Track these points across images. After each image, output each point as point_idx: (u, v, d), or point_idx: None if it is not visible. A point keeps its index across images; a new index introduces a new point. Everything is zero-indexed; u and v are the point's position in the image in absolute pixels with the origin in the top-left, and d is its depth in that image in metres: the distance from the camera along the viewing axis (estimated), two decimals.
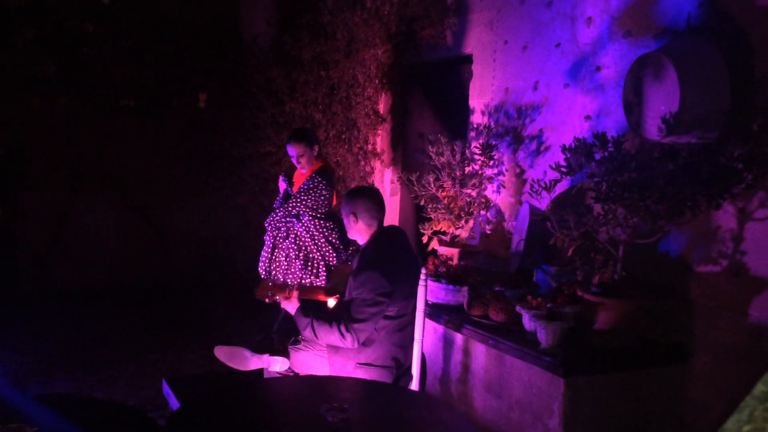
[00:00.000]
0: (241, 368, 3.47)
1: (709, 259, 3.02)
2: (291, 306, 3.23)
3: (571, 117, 3.89)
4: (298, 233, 4.23)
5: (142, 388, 4.52)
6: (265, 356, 3.43)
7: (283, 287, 3.35)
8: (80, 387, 4.51)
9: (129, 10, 6.84)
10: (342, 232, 4.30)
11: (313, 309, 3.17)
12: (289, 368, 3.43)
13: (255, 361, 3.44)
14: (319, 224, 4.23)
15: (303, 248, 4.24)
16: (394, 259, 3.11)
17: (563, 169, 3.05)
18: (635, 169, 2.83)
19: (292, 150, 4.21)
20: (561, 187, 3.50)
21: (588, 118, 3.75)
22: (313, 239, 4.22)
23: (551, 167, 3.12)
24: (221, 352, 3.47)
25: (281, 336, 3.59)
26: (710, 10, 3.02)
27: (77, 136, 6.88)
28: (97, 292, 6.93)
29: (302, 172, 4.31)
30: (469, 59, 4.85)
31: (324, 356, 3.28)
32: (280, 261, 4.29)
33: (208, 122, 7.08)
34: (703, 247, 3.04)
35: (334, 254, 4.25)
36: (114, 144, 7.05)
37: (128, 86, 6.90)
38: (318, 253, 4.23)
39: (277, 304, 3.49)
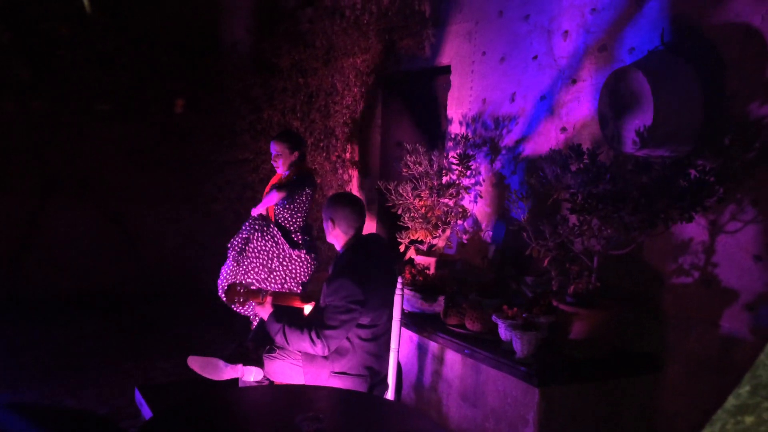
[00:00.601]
0: (215, 378, 3.43)
1: (681, 270, 3.07)
2: (264, 311, 3.20)
3: (547, 128, 3.94)
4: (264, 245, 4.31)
5: (114, 397, 4.44)
6: (239, 366, 3.40)
7: (255, 293, 3.33)
8: (50, 395, 4.42)
9: (105, 14, 6.77)
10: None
11: (287, 315, 3.15)
12: (264, 377, 3.40)
13: (229, 371, 3.41)
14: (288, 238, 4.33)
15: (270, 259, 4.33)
16: (370, 267, 3.11)
17: (540, 180, 3.08)
18: (610, 181, 2.87)
19: (272, 147, 4.44)
20: (537, 198, 3.54)
21: (564, 130, 3.80)
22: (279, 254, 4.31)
23: (527, 178, 3.15)
24: (195, 363, 3.43)
25: (255, 345, 3.56)
26: (683, 27, 3.08)
27: (51, 140, 6.78)
28: (69, 298, 6.81)
29: (278, 172, 4.50)
30: (447, 70, 4.89)
31: (299, 365, 3.26)
32: (255, 270, 4.33)
33: (185, 128, 7.02)
34: (676, 258, 3.09)
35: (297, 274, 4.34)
36: (88, 149, 6.95)
37: (104, 91, 6.82)
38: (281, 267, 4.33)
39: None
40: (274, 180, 4.58)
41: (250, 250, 4.34)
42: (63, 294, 6.86)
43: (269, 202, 4.37)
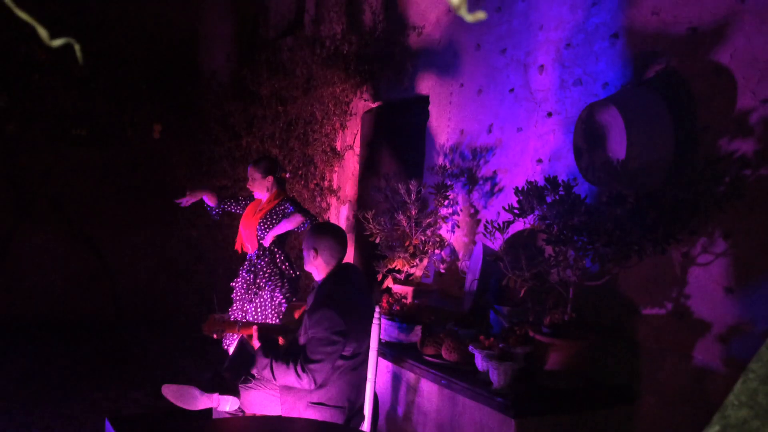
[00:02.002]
0: (190, 408, 3.37)
1: (655, 301, 3.11)
2: (253, 344, 3.20)
3: (523, 160, 3.99)
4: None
5: (83, 428, 4.33)
6: (215, 395, 3.34)
7: (232, 324, 3.30)
8: (17, 425, 4.30)
9: (83, 38, 6.76)
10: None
11: (274, 349, 3.13)
12: (239, 408, 3.35)
13: (204, 401, 3.35)
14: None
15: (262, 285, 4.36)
16: (350, 297, 3.11)
17: (516, 211, 3.12)
18: (585, 213, 2.91)
19: (248, 172, 4.60)
20: (514, 228, 3.57)
21: (540, 161, 3.86)
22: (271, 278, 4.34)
23: (504, 209, 3.19)
24: (169, 391, 3.37)
25: (232, 374, 3.51)
26: (655, 63, 3.16)
27: (24, 164, 6.70)
28: (38, 323, 6.67)
29: (256, 196, 4.65)
30: (426, 100, 4.95)
31: (275, 395, 3.22)
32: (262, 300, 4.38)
33: (163, 154, 7.00)
34: (649, 290, 3.13)
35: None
36: (62, 173, 6.88)
37: (80, 115, 6.78)
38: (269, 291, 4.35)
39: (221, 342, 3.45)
40: (251, 206, 4.63)
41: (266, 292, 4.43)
42: (32, 319, 6.71)
43: (287, 227, 4.42)
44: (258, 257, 4.50)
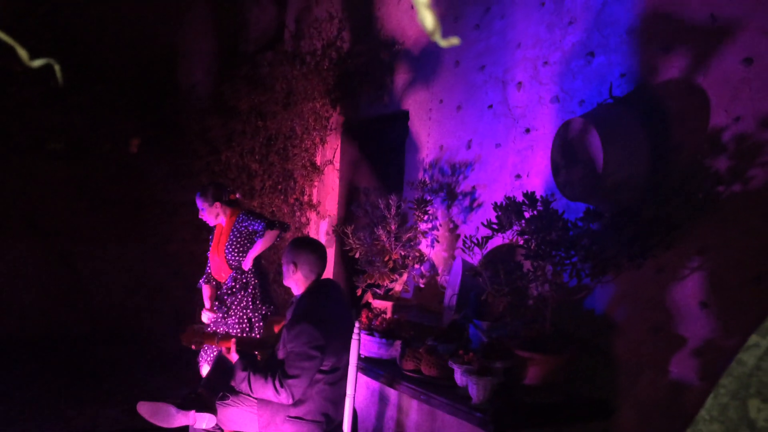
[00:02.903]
0: (166, 425, 3.32)
1: (631, 316, 3.14)
2: (230, 359, 3.16)
3: (502, 175, 4.03)
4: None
5: None
6: (191, 412, 3.30)
7: (211, 336, 3.28)
8: None
9: (61, 52, 6.71)
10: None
11: (252, 363, 3.11)
12: (216, 425, 3.31)
13: (180, 418, 3.30)
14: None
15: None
16: (329, 312, 3.10)
17: (494, 226, 3.14)
18: (562, 228, 2.94)
19: (196, 202, 4.52)
20: (493, 243, 3.59)
21: (518, 177, 3.89)
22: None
23: (483, 224, 3.21)
24: (144, 408, 3.32)
25: (208, 391, 3.47)
26: (631, 81, 3.22)
27: None
28: (10, 340, 6.54)
29: (210, 224, 4.58)
30: (405, 116, 4.98)
31: (253, 412, 3.19)
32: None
33: (140, 168, 6.95)
34: (626, 304, 3.17)
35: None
36: (37, 186, 6.80)
37: (56, 129, 6.71)
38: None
39: (195, 353, 3.40)
40: (216, 232, 4.58)
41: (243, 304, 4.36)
42: (4, 335, 6.58)
43: (266, 245, 4.35)
44: (235, 280, 4.39)
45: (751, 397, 0.90)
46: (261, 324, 4.34)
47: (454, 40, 0.86)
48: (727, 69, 2.81)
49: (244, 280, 4.37)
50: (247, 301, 4.34)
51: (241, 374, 3.02)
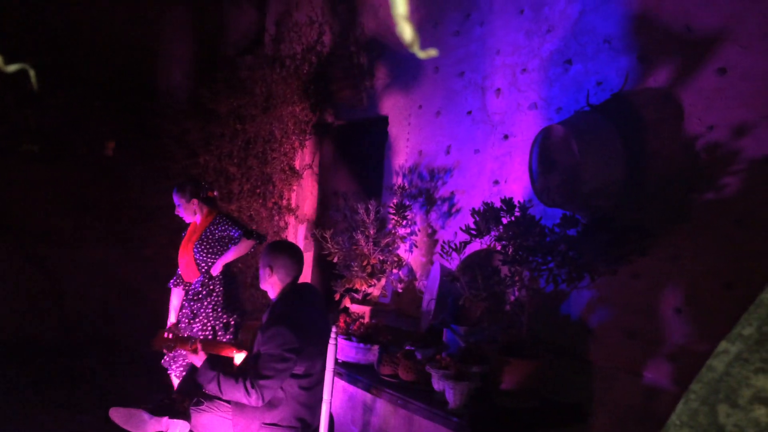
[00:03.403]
0: None
1: (606, 321, 3.17)
2: (197, 359, 3.11)
3: (480, 181, 4.05)
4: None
5: None
6: (164, 419, 3.26)
7: (184, 339, 3.23)
8: None
9: (37, 53, 6.62)
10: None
11: (221, 364, 3.07)
12: (190, 431, 3.27)
13: (153, 424, 3.26)
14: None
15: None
16: (304, 316, 3.08)
17: (472, 232, 3.15)
18: (539, 234, 2.96)
19: (173, 198, 4.43)
20: (471, 249, 3.61)
21: (496, 183, 3.92)
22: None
23: (461, 229, 3.22)
24: (117, 414, 3.28)
25: (182, 397, 3.43)
26: (607, 89, 3.26)
27: None
28: None
29: (186, 221, 4.49)
30: (385, 121, 4.99)
31: (228, 418, 3.16)
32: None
33: (117, 171, 6.86)
34: (601, 309, 3.20)
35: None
36: (11, 190, 6.68)
37: (32, 131, 6.62)
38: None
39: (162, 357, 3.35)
40: (189, 230, 4.48)
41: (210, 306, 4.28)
42: None
43: (239, 253, 4.27)
44: (203, 285, 4.27)
45: (720, 402, 0.91)
46: (222, 332, 4.24)
47: (433, 52, 0.86)
48: (701, 79, 2.86)
49: (211, 287, 4.27)
50: (211, 308, 4.25)
51: (209, 374, 2.98)
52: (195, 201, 4.36)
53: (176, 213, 4.46)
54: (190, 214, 4.40)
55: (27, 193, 6.76)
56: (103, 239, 6.98)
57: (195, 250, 4.31)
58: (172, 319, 4.45)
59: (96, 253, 7.02)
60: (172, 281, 4.51)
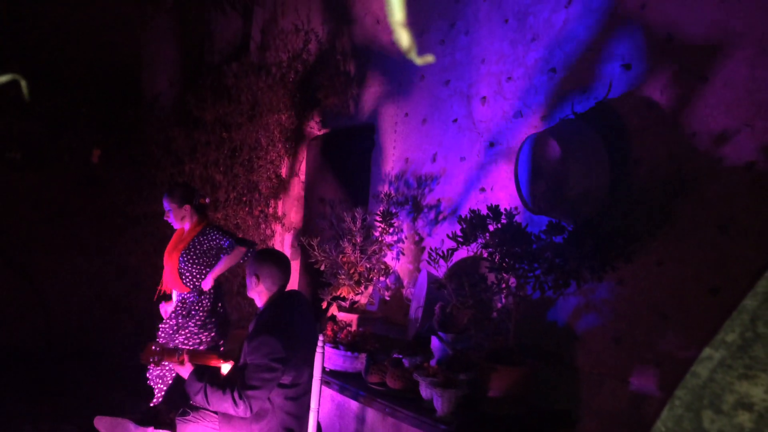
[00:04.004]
0: None
1: (593, 328, 3.19)
2: (184, 370, 3.09)
3: (467, 188, 4.06)
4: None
5: None
6: (150, 429, 3.23)
7: (172, 352, 3.20)
8: None
9: (21, 60, 6.57)
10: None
11: (208, 374, 3.04)
12: None
13: None
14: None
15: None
16: (291, 324, 3.07)
17: (459, 239, 3.16)
18: (526, 241, 2.97)
19: (164, 203, 4.36)
20: (458, 256, 3.61)
21: (483, 190, 3.93)
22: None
23: (448, 236, 3.23)
24: (102, 424, 3.24)
25: (168, 407, 3.40)
26: (591, 97, 3.29)
27: None
28: None
29: (175, 227, 4.42)
30: (371, 128, 5.00)
31: (215, 428, 3.14)
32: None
33: (101, 179, 6.81)
34: (588, 316, 3.21)
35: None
36: None
37: (15, 139, 6.55)
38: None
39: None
40: (173, 239, 4.42)
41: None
42: None
43: (230, 264, 4.23)
44: (194, 302, 4.22)
45: (704, 408, 0.92)
46: (206, 346, 4.21)
47: (429, 58, 0.87)
48: (683, 86, 2.89)
49: (203, 301, 4.23)
50: (199, 324, 4.19)
51: (196, 385, 2.95)
52: (187, 207, 4.29)
53: (165, 218, 4.39)
54: (179, 219, 4.33)
55: (10, 201, 6.69)
56: (87, 248, 6.92)
57: (181, 259, 4.25)
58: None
59: (80, 262, 6.96)
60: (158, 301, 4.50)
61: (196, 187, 5.82)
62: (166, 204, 4.32)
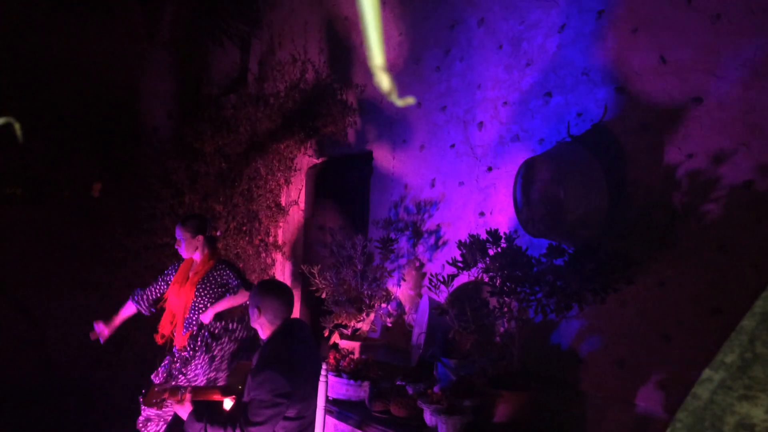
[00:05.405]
0: None
1: (596, 351, 3.17)
2: (183, 410, 3.04)
3: (466, 213, 4.07)
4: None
5: None
6: None
7: (175, 391, 3.15)
8: None
9: (18, 94, 6.62)
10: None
11: (208, 412, 3.00)
12: None
13: None
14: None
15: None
16: (295, 357, 3.04)
17: (460, 264, 3.16)
18: (526, 264, 2.98)
19: (176, 232, 4.34)
20: (459, 281, 3.61)
21: (482, 214, 3.94)
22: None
23: (448, 262, 3.23)
24: None
25: None
26: (587, 119, 3.32)
27: None
28: None
29: (184, 257, 4.38)
30: (369, 155, 5.03)
31: None
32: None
33: (100, 212, 6.81)
34: (591, 338, 3.20)
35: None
36: None
37: (14, 173, 6.57)
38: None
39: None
40: (181, 270, 4.37)
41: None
42: None
43: (231, 304, 4.18)
44: (197, 338, 4.13)
45: (706, 430, 0.92)
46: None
47: (410, 99, 0.89)
48: (678, 108, 2.92)
49: (206, 339, 4.15)
50: (205, 364, 4.13)
51: (196, 425, 2.91)
52: (200, 237, 4.27)
53: (176, 247, 4.35)
54: (192, 250, 4.29)
55: (9, 236, 6.69)
56: (87, 282, 6.89)
57: (197, 293, 4.20)
58: (115, 322, 4.46)
59: (79, 296, 6.92)
60: (133, 299, 4.44)
61: None
62: (179, 233, 4.29)
